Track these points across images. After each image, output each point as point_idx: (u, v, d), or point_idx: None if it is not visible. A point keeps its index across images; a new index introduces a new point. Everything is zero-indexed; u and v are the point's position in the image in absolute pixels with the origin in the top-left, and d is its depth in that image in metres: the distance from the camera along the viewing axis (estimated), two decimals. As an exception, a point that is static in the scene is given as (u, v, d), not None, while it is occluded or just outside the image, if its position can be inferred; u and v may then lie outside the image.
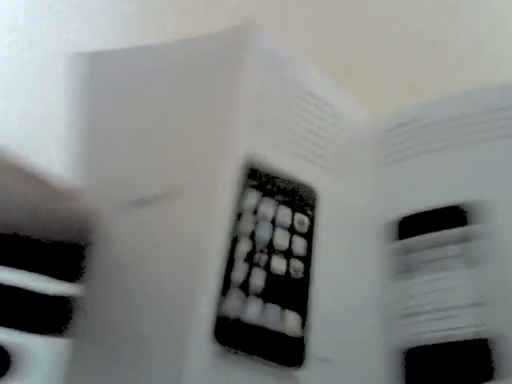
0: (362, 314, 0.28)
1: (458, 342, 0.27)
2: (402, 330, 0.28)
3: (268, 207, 0.28)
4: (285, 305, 0.26)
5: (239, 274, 0.25)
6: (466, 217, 0.30)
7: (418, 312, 0.28)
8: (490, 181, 0.31)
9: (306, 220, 0.28)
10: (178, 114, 0.32)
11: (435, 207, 0.31)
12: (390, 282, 0.30)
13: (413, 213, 0.31)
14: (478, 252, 0.29)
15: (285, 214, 0.28)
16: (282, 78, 0.33)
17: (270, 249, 0.27)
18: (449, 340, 0.27)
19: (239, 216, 0.27)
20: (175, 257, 0.26)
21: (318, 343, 0.26)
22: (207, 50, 0.33)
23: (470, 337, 0.27)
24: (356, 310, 0.28)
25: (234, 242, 0.26)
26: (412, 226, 0.31)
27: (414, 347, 0.28)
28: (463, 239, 0.29)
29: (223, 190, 0.28)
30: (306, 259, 0.27)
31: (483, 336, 0.27)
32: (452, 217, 0.30)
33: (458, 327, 0.27)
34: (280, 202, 0.28)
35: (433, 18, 0.54)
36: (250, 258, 0.26)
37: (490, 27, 0.54)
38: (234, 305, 0.25)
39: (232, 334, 0.24)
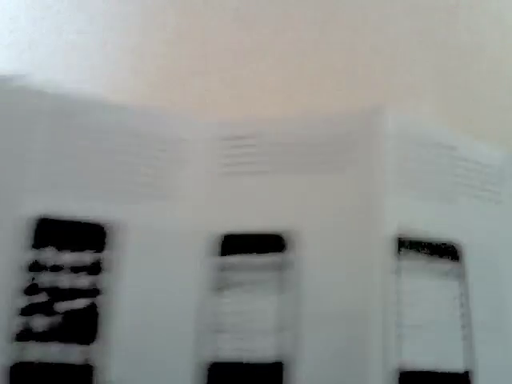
0: (169, 333, 0.30)
1: (256, 364, 0.29)
2: (207, 346, 0.30)
3: (54, 256, 0.30)
4: (68, 339, 0.28)
5: (18, 326, 0.28)
6: (282, 244, 0.31)
7: (222, 330, 0.30)
8: (304, 212, 0.32)
9: (100, 257, 0.30)
10: None
11: (257, 231, 0.32)
12: (204, 298, 0.31)
13: (235, 232, 0.32)
14: (286, 279, 0.31)
15: (74, 258, 0.30)
16: (72, 126, 0.33)
17: (56, 295, 0.29)
18: (248, 360, 0.29)
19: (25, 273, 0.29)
20: None
21: (114, 367, 0.29)
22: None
23: (266, 360, 0.29)
24: (163, 328, 0.30)
25: (14, 297, 0.28)
26: (232, 245, 0.32)
27: (216, 363, 0.30)
28: (276, 266, 0.31)
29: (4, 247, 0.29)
30: (93, 293, 0.29)
31: (279, 360, 0.29)
32: (270, 243, 0.31)
33: (257, 349, 0.29)
34: (70, 248, 0.30)
35: (432, 18, 0.54)
36: (31, 309, 0.28)
37: (489, 27, 0.54)
38: (16, 352, 0.27)
39: (25, 377, 0.27)
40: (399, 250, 0.30)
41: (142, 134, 0.34)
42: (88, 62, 0.52)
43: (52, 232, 0.30)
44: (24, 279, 0.29)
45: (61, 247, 0.30)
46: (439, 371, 0.28)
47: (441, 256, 0.30)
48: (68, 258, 0.30)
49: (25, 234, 0.30)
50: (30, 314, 0.28)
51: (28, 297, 0.29)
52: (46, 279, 0.29)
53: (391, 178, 0.32)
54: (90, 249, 0.31)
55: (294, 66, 0.53)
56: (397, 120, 0.33)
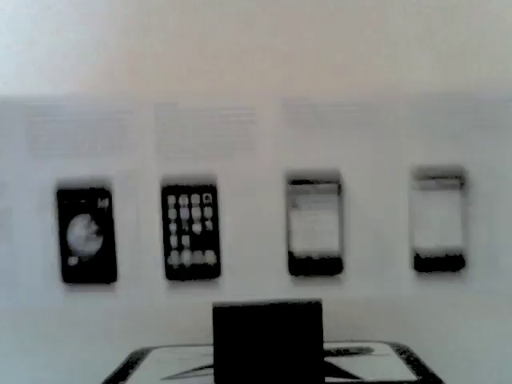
0: (261, 236, 0.44)
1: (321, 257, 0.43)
2: (286, 243, 0.44)
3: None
4: (204, 248, 0.45)
5: (173, 241, 0.44)
6: (337, 178, 0.44)
7: (296, 233, 0.44)
8: (347, 155, 0.43)
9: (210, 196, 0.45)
10: None
11: (316, 169, 0.44)
12: (283, 212, 0.44)
13: (300, 169, 0.44)
14: (339, 200, 0.44)
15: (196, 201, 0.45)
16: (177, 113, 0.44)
17: (190, 221, 0.45)
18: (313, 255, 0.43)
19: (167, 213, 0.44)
20: None
21: (229, 263, 0.44)
22: None
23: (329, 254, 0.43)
24: (257, 233, 0.44)
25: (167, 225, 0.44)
26: (300, 177, 0.45)
27: (293, 255, 0.43)
28: (334, 191, 0.44)
29: None
30: (214, 219, 0.45)
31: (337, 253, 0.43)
32: (328, 176, 0.44)
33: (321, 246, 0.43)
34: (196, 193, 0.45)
35: (432, 17, 0.54)
36: (178, 232, 0.45)
37: (489, 27, 0.54)
38: (174, 257, 0.44)
39: (176, 272, 0.44)
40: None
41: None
42: (88, 62, 0.52)
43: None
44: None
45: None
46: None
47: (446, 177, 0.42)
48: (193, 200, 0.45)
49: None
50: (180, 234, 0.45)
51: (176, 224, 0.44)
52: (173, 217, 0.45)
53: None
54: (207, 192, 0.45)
55: (293, 65, 0.53)
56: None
